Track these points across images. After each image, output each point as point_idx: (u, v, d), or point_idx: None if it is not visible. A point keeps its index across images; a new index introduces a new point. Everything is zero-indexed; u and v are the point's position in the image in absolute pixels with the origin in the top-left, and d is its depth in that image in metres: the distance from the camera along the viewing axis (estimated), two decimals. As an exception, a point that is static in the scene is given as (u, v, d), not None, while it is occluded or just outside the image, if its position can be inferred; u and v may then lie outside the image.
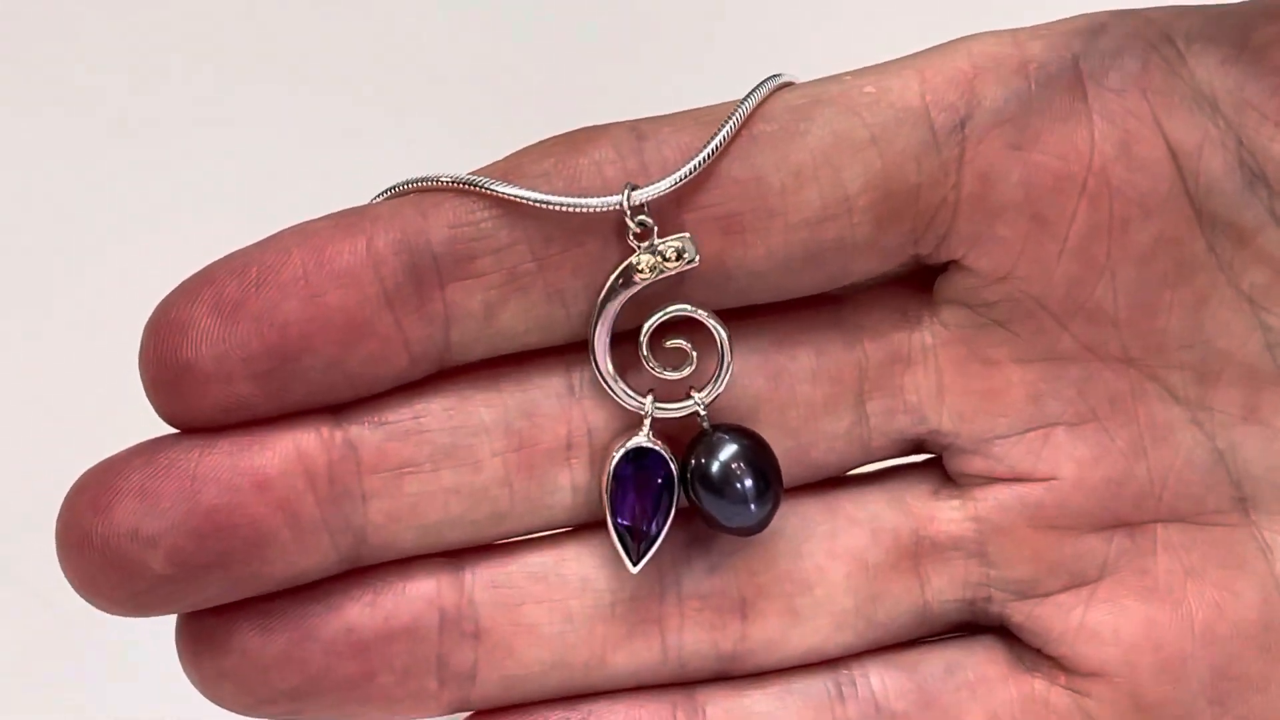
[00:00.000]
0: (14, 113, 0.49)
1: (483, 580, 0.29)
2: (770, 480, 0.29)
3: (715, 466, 0.29)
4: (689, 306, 0.29)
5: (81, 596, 0.28)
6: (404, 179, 0.29)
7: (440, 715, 0.30)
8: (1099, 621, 0.30)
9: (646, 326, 0.29)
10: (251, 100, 0.50)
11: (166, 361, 0.27)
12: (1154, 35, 0.29)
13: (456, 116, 0.48)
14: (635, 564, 0.29)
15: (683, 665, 0.30)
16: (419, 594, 0.29)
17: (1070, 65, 0.29)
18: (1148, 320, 0.30)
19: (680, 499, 0.29)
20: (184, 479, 0.27)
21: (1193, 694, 0.30)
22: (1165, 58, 0.29)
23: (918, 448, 0.32)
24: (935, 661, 0.31)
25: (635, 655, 0.30)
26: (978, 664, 0.31)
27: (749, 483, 0.29)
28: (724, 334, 0.29)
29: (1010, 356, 0.30)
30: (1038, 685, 0.31)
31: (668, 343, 0.29)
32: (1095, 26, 0.30)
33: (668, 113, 0.30)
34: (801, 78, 0.30)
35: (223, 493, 0.27)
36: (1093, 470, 0.30)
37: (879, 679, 0.31)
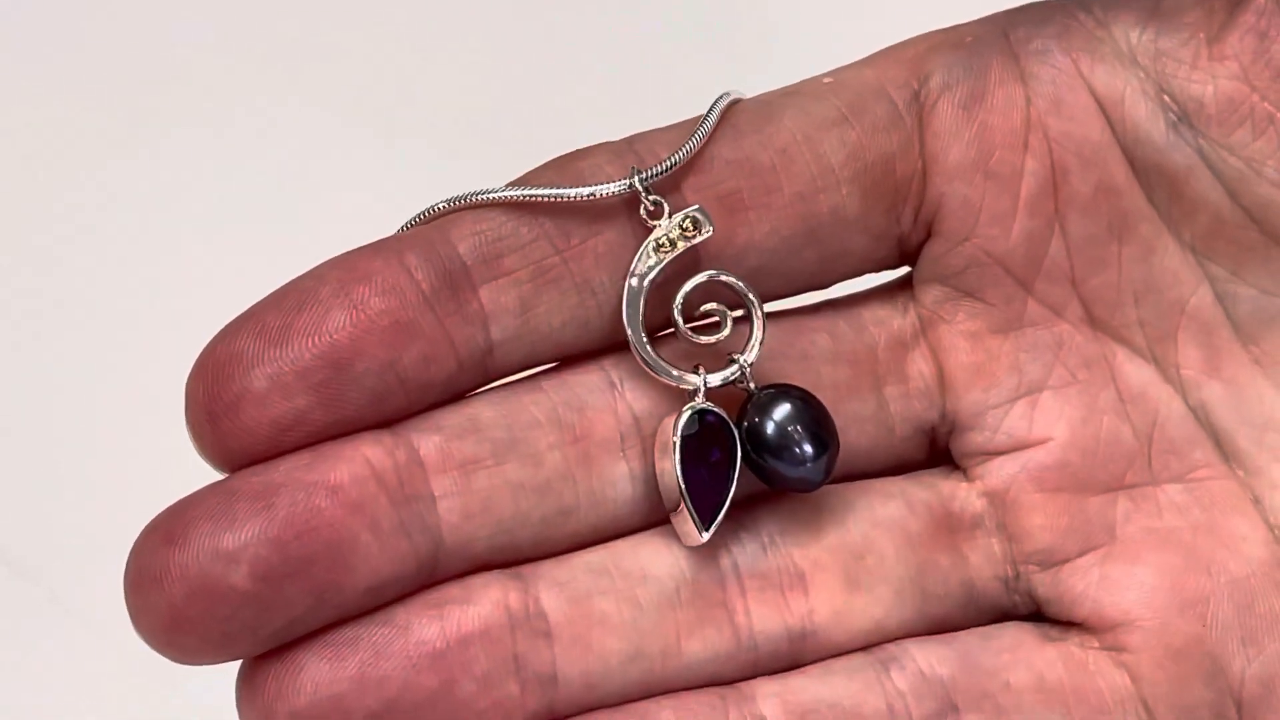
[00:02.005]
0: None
1: (545, 581, 0.29)
2: (825, 431, 0.30)
3: (770, 425, 0.29)
4: (714, 271, 0.30)
5: (158, 644, 0.27)
6: (419, 211, 0.30)
7: None
8: (1118, 572, 0.31)
9: (679, 294, 0.30)
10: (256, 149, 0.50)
11: (219, 395, 0.27)
12: (1073, 6, 0.32)
13: (447, 157, 0.50)
14: (704, 530, 0.29)
15: (756, 649, 0.30)
16: (485, 599, 0.28)
17: (1000, 35, 0.32)
18: (1100, 274, 0.31)
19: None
20: (256, 496, 0.27)
21: (1221, 632, 0.31)
22: (1084, 23, 0.32)
23: (931, 439, 0.32)
24: (971, 634, 0.31)
25: (709, 642, 0.30)
26: (1012, 635, 0.31)
27: (806, 438, 0.29)
28: (752, 295, 0.30)
29: (988, 328, 0.32)
30: (1075, 651, 0.31)
31: (700, 309, 0.30)
32: (1020, 7, 0.33)
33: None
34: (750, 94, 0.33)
35: (297, 500, 0.27)
36: (1084, 429, 0.32)
37: (920, 652, 0.31)
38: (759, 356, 0.30)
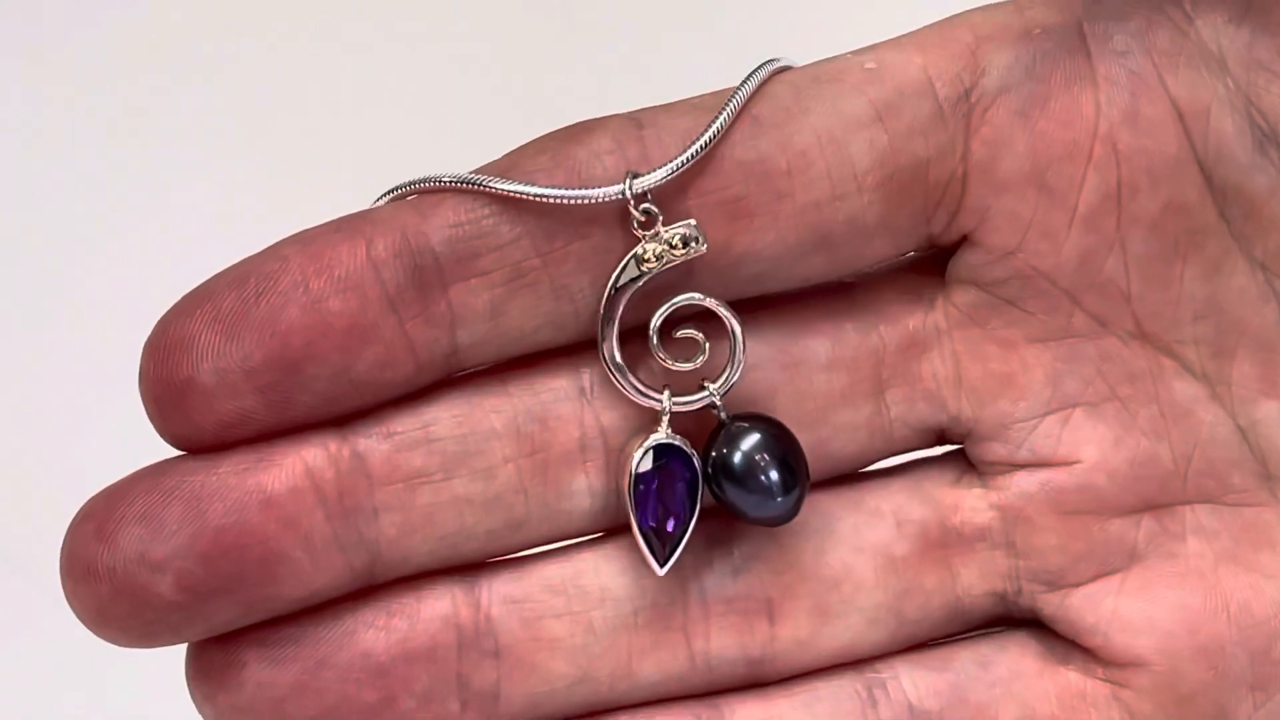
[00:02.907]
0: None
1: (499, 596, 0.29)
2: (796, 467, 0.28)
3: (738, 458, 0.28)
4: (699, 295, 0.28)
5: (89, 628, 0.27)
6: (405, 180, 0.28)
7: None
8: (1132, 610, 0.30)
9: (656, 317, 0.28)
10: (253, 106, 0.49)
11: (167, 380, 0.26)
12: None
13: (458, 117, 0.48)
14: (662, 566, 0.28)
15: (711, 671, 0.30)
16: (434, 613, 0.28)
17: (1074, 28, 0.29)
18: (1160, 291, 0.29)
19: (704, 495, 0.29)
20: (189, 501, 0.26)
21: (1233, 680, 0.30)
22: (1171, 17, 0.28)
23: (940, 438, 0.31)
24: (967, 658, 0.30)
25: (662, 664, 0.29)
26: (1011, 659, 0.30)
27: (774, 474, 0.28)
28: (735, 322, 0.28)
29: (1025, 337, 0.30)
30: (1073, 678, 0.30)
31: (678, 333, 0.28)
32: None
33: (666, 102, 0.29)
34: (799, 61, 0.30)
35: (229, 513, 0.26)
36: (1115, 452, 0.30)
37: (910, 679, 0.30)
38: (737, 380, 0.29)
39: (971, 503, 0.30)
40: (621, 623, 0.29)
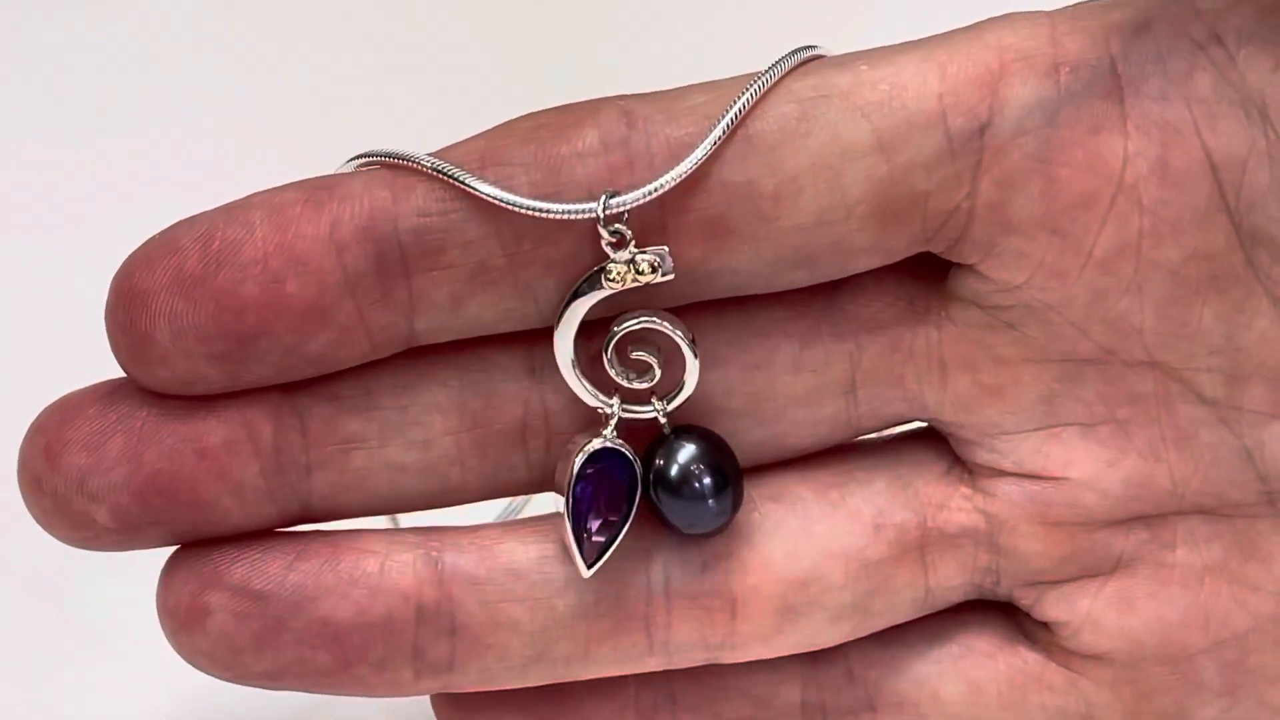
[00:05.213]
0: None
1: (461, 575, 0.29)
2: (729, 479, 0.28)
3: (674, 469, 0.28)
4: (655, 319, 0.28)
5: (42, 528, 0.28)
6: (380, 150, 0.27)
7: (420, 695, 0.30)
8: (1106, 616, 0.30)
9: (610, 337, 0.28)
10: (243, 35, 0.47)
11: (129, 329, 0.27)
12: (1202, 34, 0.27)
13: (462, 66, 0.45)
14: (589, 567, 0.28)
15: (670, 657, 0.30)
16: (395, 587, 0.28)
17: (1108, 69, 0.27)
18: (1175, 328, 0.28)
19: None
20: (130, 438, 0.27)
21: (1196, 685, 0.30)
22: (1214, 60, 0.27)
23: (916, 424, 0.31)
24: (919, 631, 0.31)
25: (620, 649, 0.29)
26: (967, 637, 0.31)
27: (708, 480, 0.28)
28: (689, 347, 0.28)
29: (1023, 356, 0.29)
30: (1031, 659, 0.31)
31: (633, 353, 0.28)
32: (1140, 22, 0.27)
33: (674, 87, 0.28)
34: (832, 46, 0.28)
35: (164, 458, 0.27)
36: (1108, 472, 0.29)
37: (857, 648, 0.31)
38: (685, 399, 0.28)
39: (958, 503, 0.30)
40: (583, 610, 0.29)
